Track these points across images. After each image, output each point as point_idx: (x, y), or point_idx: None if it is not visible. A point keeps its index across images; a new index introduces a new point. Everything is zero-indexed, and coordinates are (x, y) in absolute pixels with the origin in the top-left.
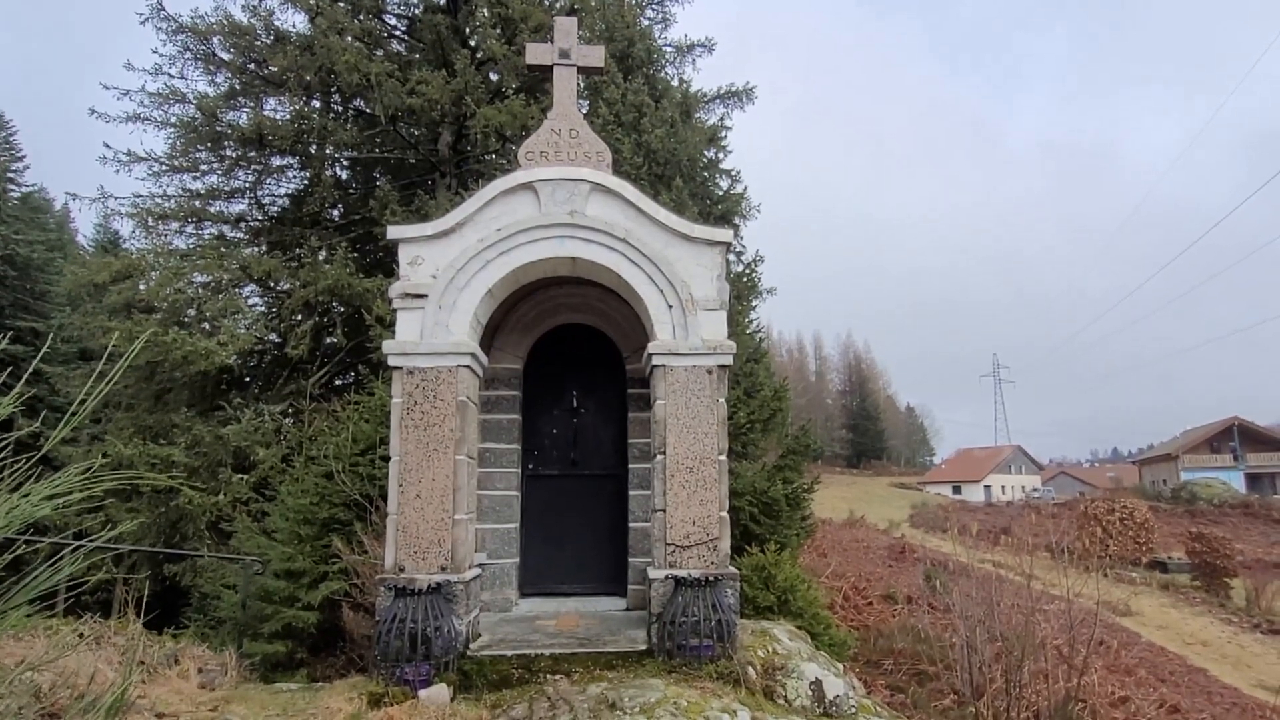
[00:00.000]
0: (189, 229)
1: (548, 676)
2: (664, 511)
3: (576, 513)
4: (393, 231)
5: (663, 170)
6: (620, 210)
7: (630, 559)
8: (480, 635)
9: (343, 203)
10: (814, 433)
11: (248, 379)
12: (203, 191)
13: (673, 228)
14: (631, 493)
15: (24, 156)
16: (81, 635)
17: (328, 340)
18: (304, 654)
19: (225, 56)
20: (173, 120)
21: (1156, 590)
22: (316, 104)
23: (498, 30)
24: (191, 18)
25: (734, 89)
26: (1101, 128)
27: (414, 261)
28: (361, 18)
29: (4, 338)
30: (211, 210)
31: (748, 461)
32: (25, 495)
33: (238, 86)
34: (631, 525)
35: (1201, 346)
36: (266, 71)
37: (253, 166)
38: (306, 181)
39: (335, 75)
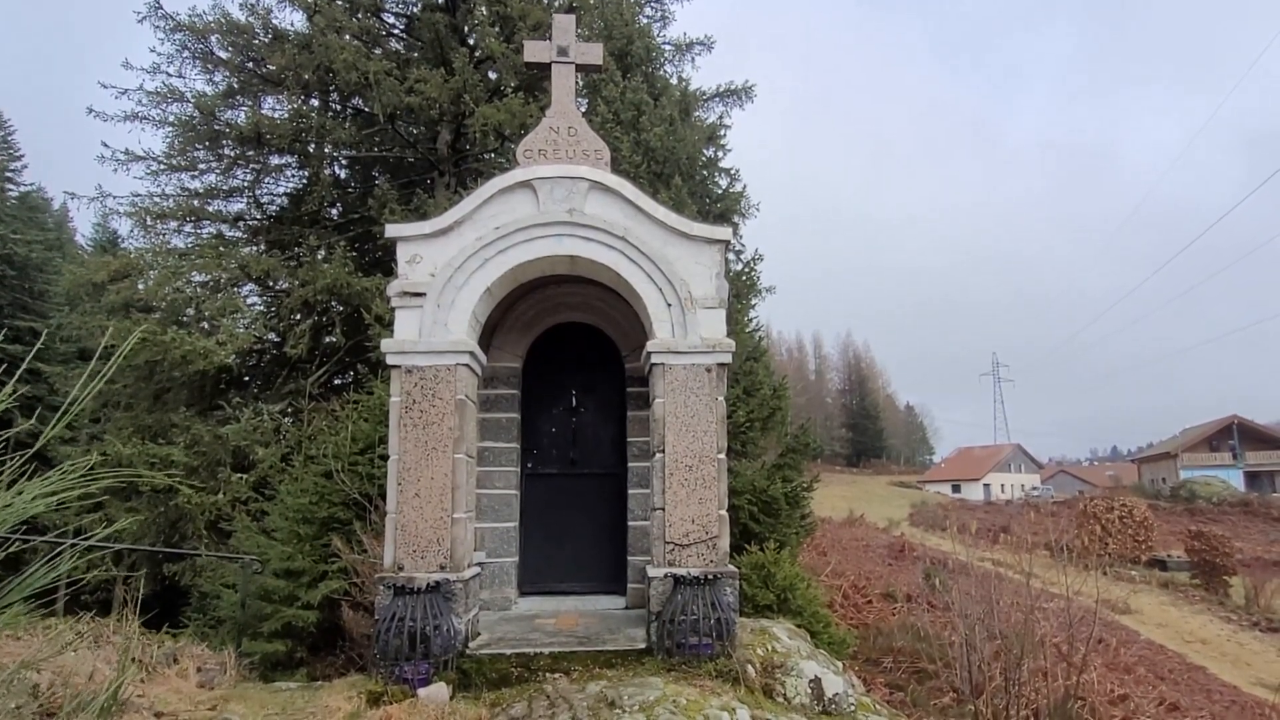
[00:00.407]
0: (187, 228)
1: (547, 675)
2: (663, 510)
3: (576, 511)
4: (391, 230)
5: (661, 168)
6: (619, 208)
7: (629, 557)
8: (479, 634)
9: (341, 201)
10: (813, 431)
11: (247, 378)
12: (201, 190)
13: (672, 226)
14: (630, 491)
15: (22, 155)
16: (80, 634)
17: (326, 339)
18: (303, 653)
19: (223, 55)
20: (171, 119)
21: (1156, 588)
22: (315, 102)
23: (496, 28)
24: (189, 16)
25: (733, 87)
26: (1102, 127)
27: (412, 260)
28: (360, 16)
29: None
30: (210, 209)
31: (747, 460)
32: (19, 493)
33: (236, 85)
34: (630, 524)
35: (1201, 346)
36: (265, 70)
37: (251, 165)
38: (305, 180)
39: (333, 74)
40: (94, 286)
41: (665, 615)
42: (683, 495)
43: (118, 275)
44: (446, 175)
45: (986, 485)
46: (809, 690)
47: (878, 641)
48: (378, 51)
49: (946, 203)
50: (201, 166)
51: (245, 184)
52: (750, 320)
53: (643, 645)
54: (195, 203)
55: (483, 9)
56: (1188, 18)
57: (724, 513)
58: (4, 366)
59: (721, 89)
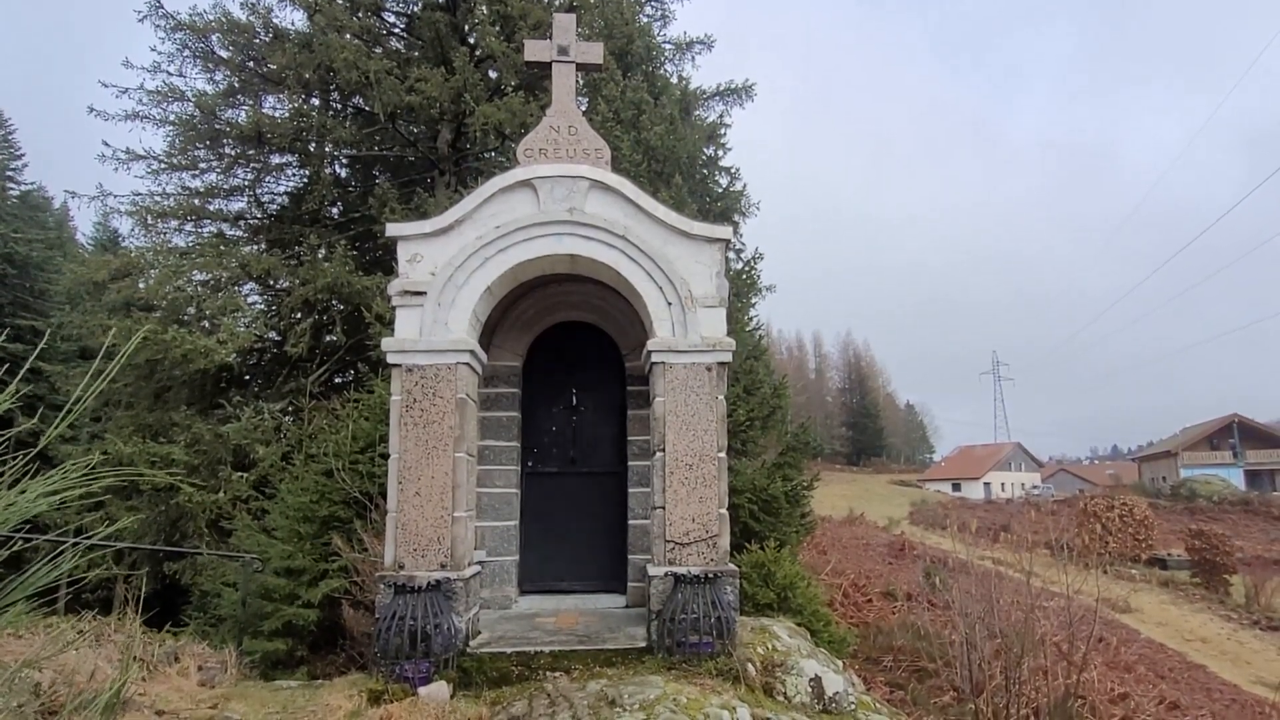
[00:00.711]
0: (188, 227)
1: (547, 674)
2: (663, 509)
3: (576, 510)
4: (392, 229)
5: (662, 167)
6: (619, 207)
7: (630, 556)
8: (480, 632)
9: (342, 200)
10: (813, 430)
11: (247, 377)
12: (202, 189)
13: (672, 225)
14: (631, 490)
15: (23, 154)
16: (81, 633)
17: (327, 338)
18: (304, 651)
19: (224, 54)
20: (171, 118)
21: (1156, 587)
22: (315, 101)
23: (497, 27)
24: (190, 15)
25: (733, 86)
26: (1102, 127)
27: (413, 259)
28: (360, 15)
29: (0, 335)
30: (210, 208)
31: (747, 459)
32: (22, 492)
33: (236, 84)
34: (631, 522)
35: (1201, 345)
36: (265, 69)
37: (252, 164)
38: (306, 179)
39: (334, 73)
40: (95, 285)
41: (665, 614)
42: (683, 494)
43: (118, 274)
44: (447, 174)
45: (987, 484)
46: (809, 689)
47: (878, 640)
48: (378, 50)
49: (947, 202)
50: (202, 165)
51: (246, 183)
52: (750, 319)
53: (643, 644)
54: (196, 201)
55: (483, 8)
56: (1188, 17)
57: (724, 511)
58: (6, 367)
59: (721, 88)
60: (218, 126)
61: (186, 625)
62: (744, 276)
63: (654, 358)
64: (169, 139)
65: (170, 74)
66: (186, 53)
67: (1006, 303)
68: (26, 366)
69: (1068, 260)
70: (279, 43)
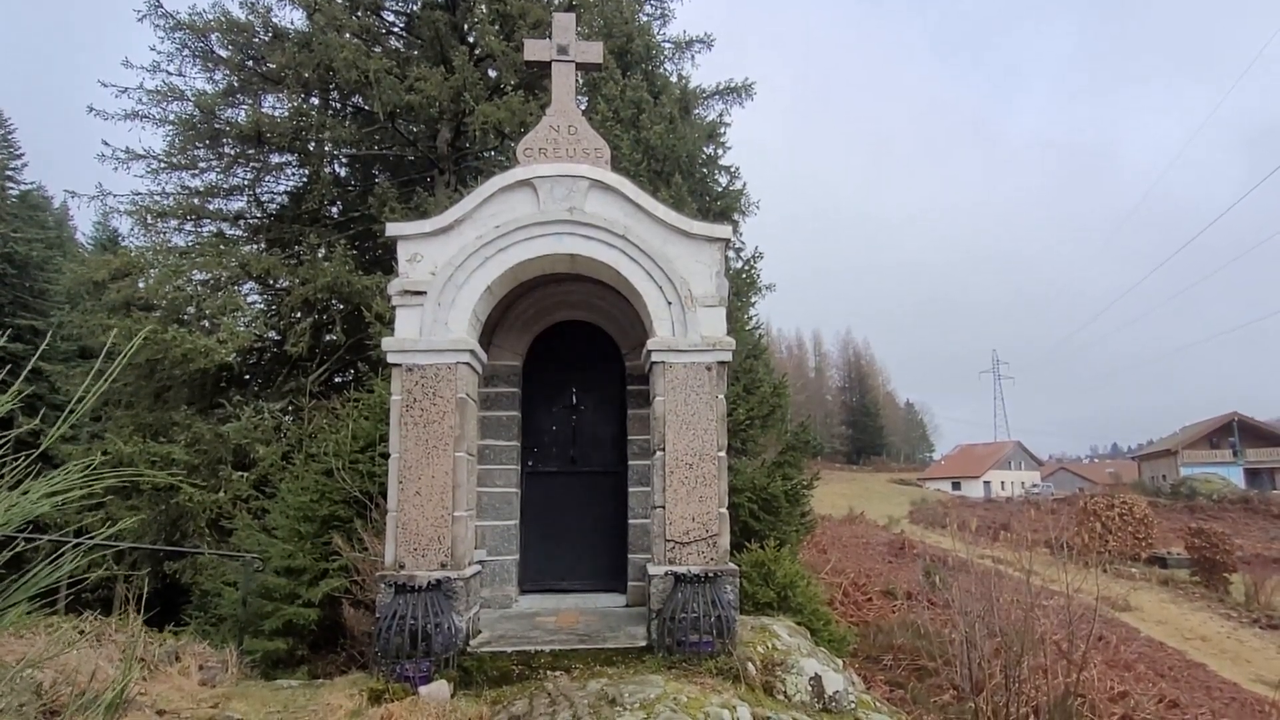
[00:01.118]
0: (188, 226)
1: (548, 673)
2: (663, 508)
3: (576, 509)
4: (392, 228)
5: (661, 167)
6: (619, 207)
7: (630, 555)
8: (480, 632)
9: (341, 200)
10: (813, 429)
11: (247, 376)
12: (201, 189)
13: (672, 224)
14: (631, 489)
15: (23, 154)
16: (82, 632)
17: (327, 338)
18: (304, 651)
19: (223, 53)
20: (171, 118)
21: (1156, 586)
22: (315, 101)
23: (496, 27)
24: (189, 14)
25: (733, 85)
26: (1102, 126)
27: (413, 258)
28: (360, 14)
29: (2, 335)
30: (210, 208)
31: (747, 458)
32: (25, 492)
33: (236, 83)
34: (631, 522)
35: (1200, 344)
36: (265, 68)
37: (251, 164)
38: (305, 179)
39: (334, 72)
40: (95, 285)
41: (666, 613)
42: (683, 493)
43: (118, 274)
44: (446, 173)
45: (987, 482)
46: (809, 688)
47: (878, 639)
48: (378, 50)
49: (946, 202)
50: (202, 165)
51: (245, 182)
52: (750, 318)
53: (643, 643)
54: (196, 201)
55: (483, 7)
56: (1188, 15)
57: (724, 510)
58: (8, 368)
59: (721, 87)
60: (217, 126)
61: (187, 625)
62: (744, 275)
63: (654, 357)
64: (169, 139)
65: (170, 73)
66: (186, 52)
67: (1006, 302)
68: (29, 367)
69: (1067, 260)
70: (278, 42)
